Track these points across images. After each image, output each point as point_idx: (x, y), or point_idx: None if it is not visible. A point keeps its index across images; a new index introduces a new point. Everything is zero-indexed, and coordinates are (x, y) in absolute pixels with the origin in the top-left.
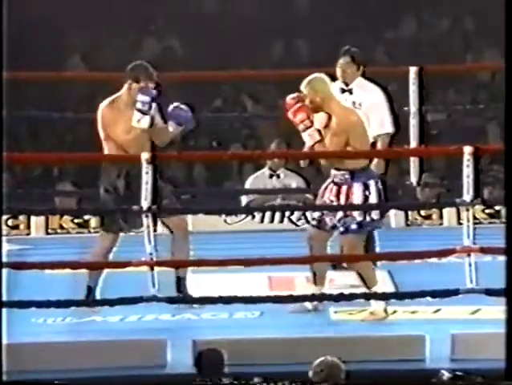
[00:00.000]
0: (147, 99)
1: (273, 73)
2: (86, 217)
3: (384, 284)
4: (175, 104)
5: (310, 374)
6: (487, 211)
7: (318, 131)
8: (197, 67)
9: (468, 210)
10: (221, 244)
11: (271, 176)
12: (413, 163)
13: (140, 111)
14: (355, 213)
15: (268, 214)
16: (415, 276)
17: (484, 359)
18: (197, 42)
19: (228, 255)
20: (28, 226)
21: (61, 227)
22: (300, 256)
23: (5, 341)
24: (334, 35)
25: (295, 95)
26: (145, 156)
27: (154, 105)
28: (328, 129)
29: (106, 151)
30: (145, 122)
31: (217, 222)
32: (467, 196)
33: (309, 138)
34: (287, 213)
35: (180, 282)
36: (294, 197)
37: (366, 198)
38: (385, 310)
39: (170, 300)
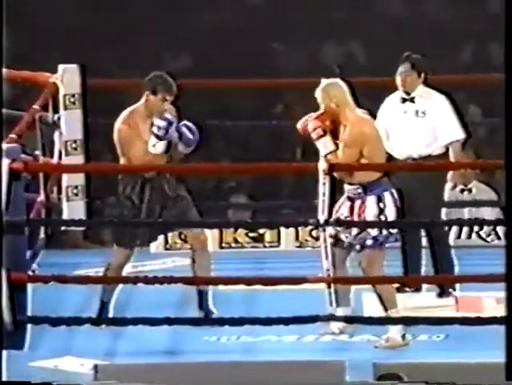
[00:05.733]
0: (163, 123)
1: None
2: (261, 231)
3: None
4: (185, 123)
5: None
6: None
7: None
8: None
9: None
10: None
11: (462, 191)
12: None
13: (156, 136)
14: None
15: (454, 229)
16: None
17: None
18: (380, 46)
19: None
20: None
21: (235, 241)
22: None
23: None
24: None
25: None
26: (322, 166)
27: (172, 129)
28: (342, 139)
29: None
30: (160, 147)
31: None
32: None
33: (322, 147)
34: (476, 228)
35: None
36: (484, 213)
37: (381, 211)
38: (403, 336)
39: (348, 319)
